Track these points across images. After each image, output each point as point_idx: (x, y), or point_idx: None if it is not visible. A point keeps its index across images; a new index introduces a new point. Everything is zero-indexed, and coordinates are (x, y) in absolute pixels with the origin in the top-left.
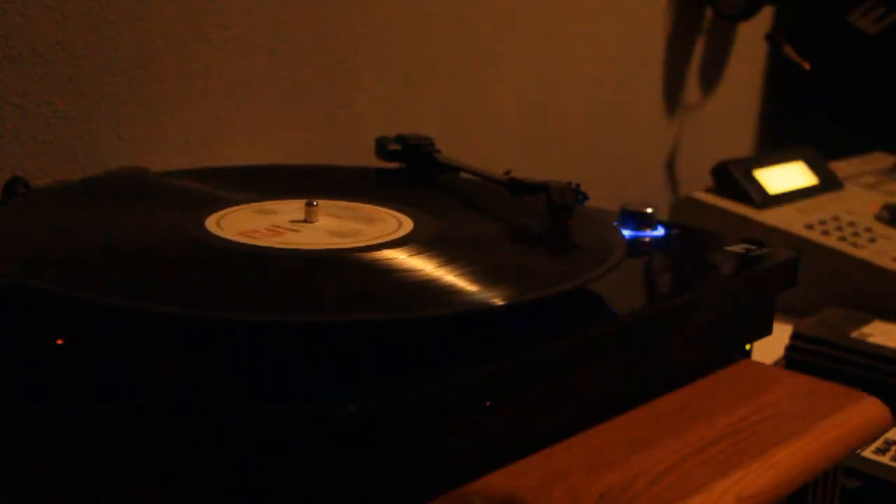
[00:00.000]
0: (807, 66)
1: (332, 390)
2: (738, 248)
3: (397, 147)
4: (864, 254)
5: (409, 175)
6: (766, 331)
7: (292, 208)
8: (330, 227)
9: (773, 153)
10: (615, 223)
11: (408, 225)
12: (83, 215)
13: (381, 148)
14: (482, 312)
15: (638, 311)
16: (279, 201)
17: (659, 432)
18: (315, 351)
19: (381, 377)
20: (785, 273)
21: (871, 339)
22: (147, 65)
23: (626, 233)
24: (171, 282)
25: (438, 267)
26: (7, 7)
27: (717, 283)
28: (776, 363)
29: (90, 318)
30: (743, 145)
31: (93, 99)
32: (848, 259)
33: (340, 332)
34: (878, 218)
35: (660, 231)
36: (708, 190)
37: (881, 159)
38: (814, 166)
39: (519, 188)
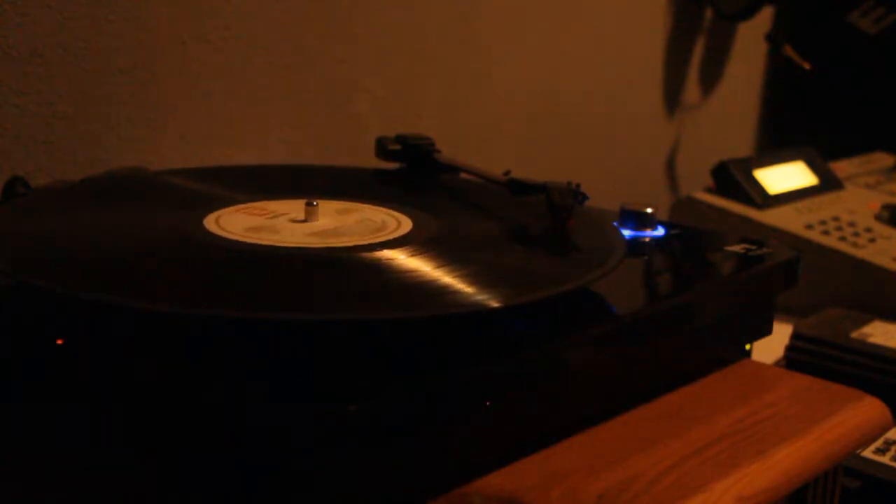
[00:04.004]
0: (807, 66)
1: (332, 390)
2: (738, 248)
3: (397, 147)
4: (864, 254)
5: (409, 175)
6: (766, 331)
7: (292, 208)
8: (330, 226)
9: (773, 153)
10: (615, 223)
11: (407, 225)
12: (83, 215)
13: (381, 148)
14: (481, 313)
15: (638, 311)
16: (279, 201)
17: (659, 432)
18: (315, 351)
19: (381, 377)
20: (785, 273)
21: (871, 339)
22: (147, 65)
23: (626, 233)
24: (170, 281)
25: (438, 267)
26: (7, 7)
27: (717, 283)
28: (776, 363)
29: (90, 317)
30: (743, 145)
31: (93, 99)
32: (848, 259)
33: (340, 332)
34: (878, 218)
35: (660, 231)
36: (708, 190)
37: (881, 159)
38: (814, 166)
39: (519, 188)
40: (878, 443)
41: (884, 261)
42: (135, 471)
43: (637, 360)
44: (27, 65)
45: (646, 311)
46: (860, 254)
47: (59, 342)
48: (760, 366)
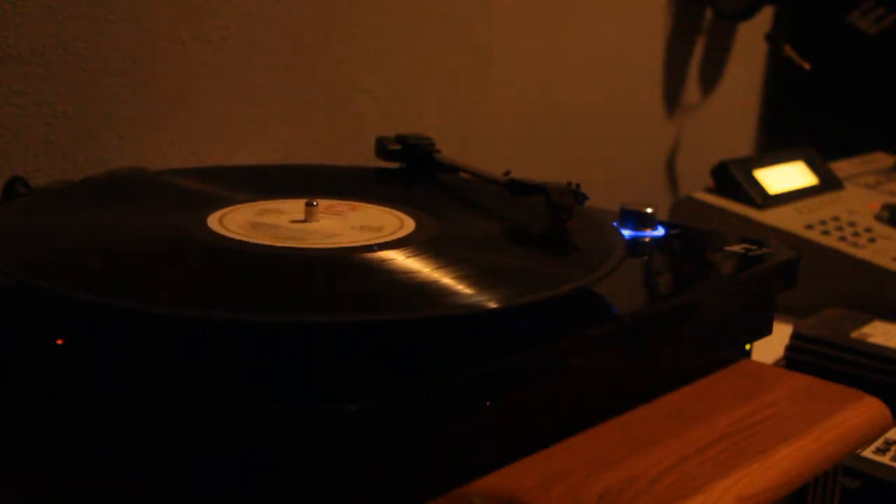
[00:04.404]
0: (807, 66)
1: (332, 390)
2: (738, 248)
3: (397, 147)
4: (864, 254)
5: (409, 175)
6: (766, 331)
7: (292, 208)
8: (330, 227)
9: (773, 153)
10: (615, 223)
11: (408, 225)
12: (83, 215)
13: (381, 148)
14: (481, 313)
15: (638, 311)
16: (279, 201)
17: (659, 432)
18: (315, 351)
19: (381, 377)
20: (785, 273)
21: (871, 339)
22: (147, 65)
23: (626, 233)
24: (170, 282)
25: (438, 267)
26: (7, 7)
27: (717, 283)
28: (776, 363)
29: (90, 318)
30: (743, 145)
31: (93, 99)
32: (848, 259)
33: (340, 333)
34: (878, 218)
35: (660, 231)
36: (708, 190)
37: (881, 159)
38: (814, 166)
39: (519, 188)
40: (878, 443)
41: (884, 261)
42: (135, 471)
43: (637, 360)
44: (27, 65)
45: (646, 311)
46: (860, 254)
47: (59, 342)
48: (760, 366)
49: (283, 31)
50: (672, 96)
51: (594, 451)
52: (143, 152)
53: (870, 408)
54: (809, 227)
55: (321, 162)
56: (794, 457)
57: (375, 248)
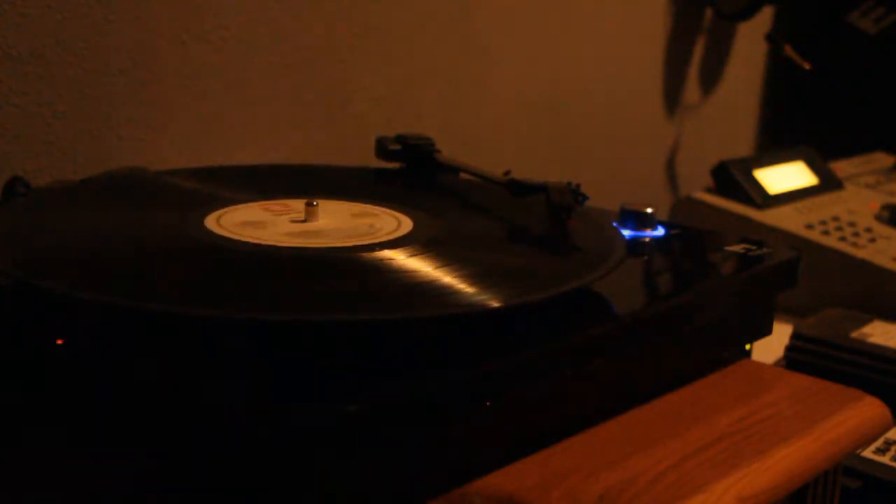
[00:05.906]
0: (807, 66)
1: (332, 390)
2: (738, 248)
3: (397, 147)
4: (864, 254)
5: (409, 175)
6: (766, 331)
7: (292, 208)
8: (330, 226)
9: (773, 153)
10: (615, 223)
11: (407, 225)
12: (83, 215)
13: (381, 148)
14: (482, 313)
15: (638, 311)
16: (279, 201)
17: (659, 432)
18: (315, 351)
19: (381, 377)
20: (785, 273)
21: (871, 339)
22: (147, 65)
23: (626, 233)
24: (170, 281)
25: (438, 267)
26: (7, 7)
27: (717, 283)
28: (776, 363)
29: (90, 318)
30: (743, 145)
31: (93, 99)
32: (848, 259)
33: (340, 332)
34: (878, 218)
35: (660, 231)
36: (708, 190)
37: (881, 159)
38: (814, 166)
39: (519, 188)
40: (878, 443)
41: (884, 261)
42: (134, 471)
43: (637, 360)
44: (27, 65)
45: (646, 311)
46: (860, 254)
47: (59, 342)
48: (760, 366)
49: (283, 31)
50: (672, 96)
51: (594, 451)
52: (143, 152)
53: (870, 408)
54: (809, 227)
55: (321, 162)
56: (794, 457)
57: (376, 247)
